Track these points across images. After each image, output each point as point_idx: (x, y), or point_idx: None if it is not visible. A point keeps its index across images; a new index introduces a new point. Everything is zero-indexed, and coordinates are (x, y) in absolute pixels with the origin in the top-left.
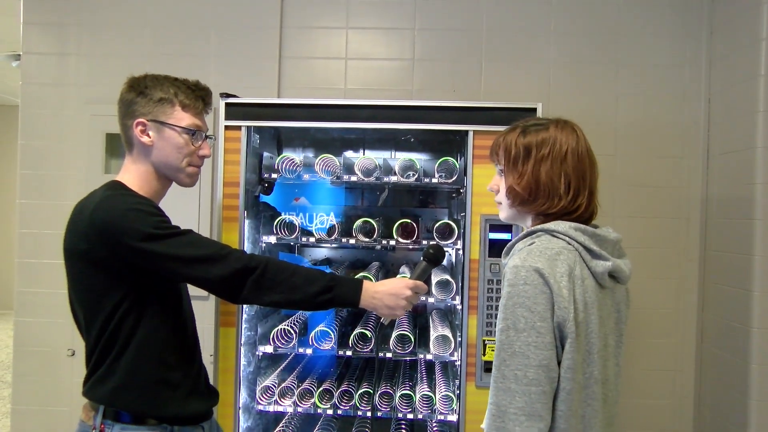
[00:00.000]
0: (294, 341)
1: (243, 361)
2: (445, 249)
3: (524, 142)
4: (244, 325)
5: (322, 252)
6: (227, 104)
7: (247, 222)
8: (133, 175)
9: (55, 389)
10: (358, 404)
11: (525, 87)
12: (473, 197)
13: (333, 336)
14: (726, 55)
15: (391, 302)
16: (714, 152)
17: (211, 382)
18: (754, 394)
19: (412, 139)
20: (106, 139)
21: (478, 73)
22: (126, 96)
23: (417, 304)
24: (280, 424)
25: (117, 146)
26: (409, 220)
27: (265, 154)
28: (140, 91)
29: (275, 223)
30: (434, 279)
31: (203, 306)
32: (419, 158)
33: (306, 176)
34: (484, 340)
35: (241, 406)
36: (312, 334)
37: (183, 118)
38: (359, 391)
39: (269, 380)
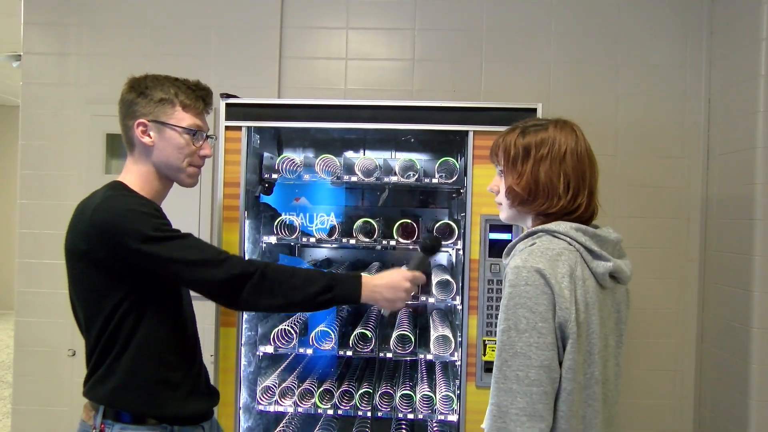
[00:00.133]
0: (294, 341)
1: (243, 361)
2: (446, 249)
3: (523, 142)
4: (244, 325)
5: (323, 252)
6: (227, 104)
7: (247, 222)
8: (134, 175)
9: (56, 389)
10: (358, 404)
11: (525, 87)
12: (473, 197)
13: (333, 336)
14: (726, 55)
15: (391, 295)
16: (714, 152)
17: (212, 382)
18: (754, 394)
19: (413, 140)
20: (107, 139)
21: (478, 73)
22: (127, 96)
23: (417, 305)
24: (281, 424)
25: (117, 146)
26: (409, 221)
27: (266, 154)
28: (141, 92)
29: (275, 224)
30: (434, 279)
31: (204, 306)
32: (419, 158)
33: (306, 176)
34: (484, 340)
35: (241, 406)
36: (312, 334)
37: (184, 118)
38: (360, 391)
39: (270, 380)
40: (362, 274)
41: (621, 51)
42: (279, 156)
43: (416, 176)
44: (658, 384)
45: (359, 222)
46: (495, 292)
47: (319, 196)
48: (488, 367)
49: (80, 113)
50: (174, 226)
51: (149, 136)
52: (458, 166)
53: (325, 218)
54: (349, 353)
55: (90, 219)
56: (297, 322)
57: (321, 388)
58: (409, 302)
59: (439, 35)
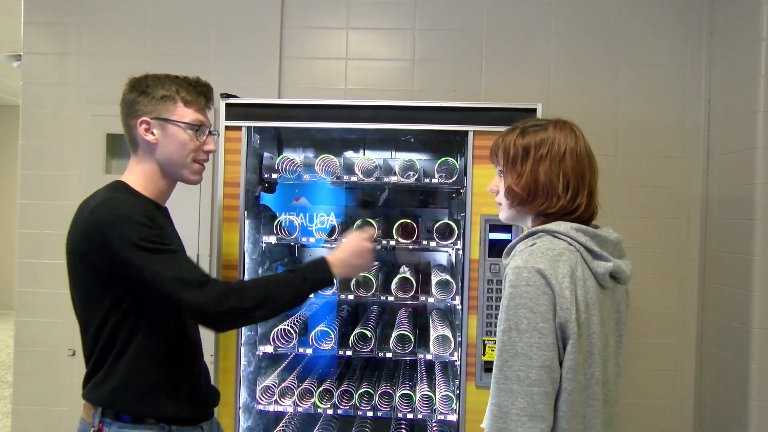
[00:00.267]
0: (294, 341)
1: (243, 361)
2: (445, 249)
3: (523, 142)
4: None
5: (323, 252)
6: (228, 104)
7: (247, 222)
8: (137, 175)
9: (56, 389)
10: (358, 404)
11: (525, 87)
12: (473, 197)
13: (333, 336)
14: (726, 55)
15: (358, 260)
16: (714, 152)
17: (212, 381)
18: (754, 394)
19: (412, 140)
20: (107, 139)
21: (478, 73)
22: (128, 96)
23: (417, 304)
24: (280, 424)
25: (117, 146)
26: (409, 220)
27: (266, 154)
28: (142, 91)
29: (275, 224)
30: (434, 279)
31: None
32: (419, 158)
33: (306, 176)
34: (483, 340)
35: (241, 405)
36: (312, 334)
37: (186, 114)
38: (359, 391)
39: (269, 380)
40: (325, 256)
41: (621, 51)
42: (279, 156)
43: (416, 176)
44: (658, 384)
45: (359, 222)
46: (495, 292)
47: (319, 196)
48: (488, 367)
49: (80, 113)
50: (174, 226)
51: (152, 133)
52: (458, 166)
53: (325, 218)
54: (349, 353)
55: (88, 219)
56: (297, 321)
57: (321, 388)
58: (409, 302)
59: (439, 35)
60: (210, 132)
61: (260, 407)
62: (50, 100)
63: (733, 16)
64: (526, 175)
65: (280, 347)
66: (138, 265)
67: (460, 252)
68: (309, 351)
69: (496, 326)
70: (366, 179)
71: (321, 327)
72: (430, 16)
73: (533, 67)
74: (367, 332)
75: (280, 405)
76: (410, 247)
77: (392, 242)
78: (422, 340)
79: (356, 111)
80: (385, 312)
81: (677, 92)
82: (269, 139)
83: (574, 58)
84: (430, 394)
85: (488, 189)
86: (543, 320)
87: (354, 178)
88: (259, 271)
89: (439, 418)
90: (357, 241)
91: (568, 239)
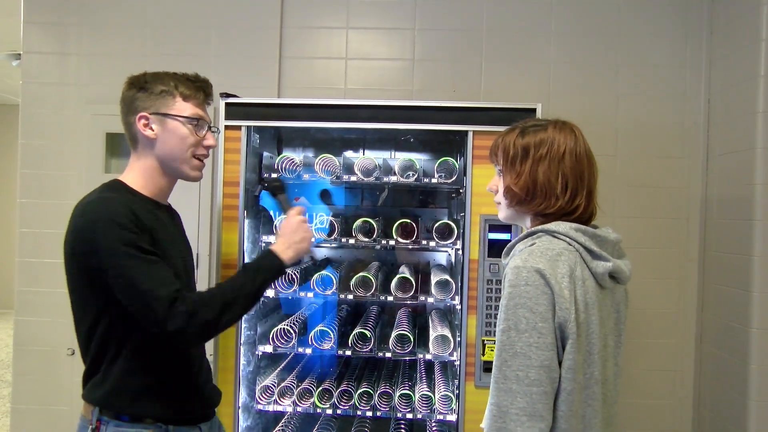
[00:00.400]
0: (293, 341)
1: (242, 361)
2: (445, 249)
3: (522, 142)
4: (243, 325)
5: (322, 252)
6: (227, 104)
7: (246, 222)
8: (136, 172)
9: (55, 388)
10: (357, 404)
11: (525, 87)
12: (473, 197)
13: (332, 336)
14: (726, 55)
15: (298, 235)
16: (714, 152)
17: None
18: (753, 394)
19: (412, 139)
20: (107, 139)
21: (478, 73)
22: (127, 94)
23: (416, 304)
24: (280, 424)
25: (117, 146)
26: (408, 220)
27: (265, 153)
28: (140, 87)
29: (275, 223)
30: (434, 279)
31: None
32: (419, 158)
33: (306, 176)
34: (483, 340)
35: (240, 405)
36: (311, 333)
37: (185, 108)
38: (359, 391)
39: (269, 380)
40: (269, 246)
41: (621, 51)
42: (279, 155)
43: (416, 176)
44: (657, 384)
45: (358, 221)
46: (494, 292)
47: (319, 196)
48: (487, 367)
49: (80, 113)
50: (179, 223)
51: (151, 128)
52: (458, 166)
53: (324, 218)
54: (348, 353)
55: (76, 221)
56: (296, 321)
57: (320, 388)
58: (409, 302)
59: (439, 35)
60: (209, 127)
61: (259, 407)
62: (50, 99)
63: (733, 16)
64: (524, 175)
65: (279, 347)
66: (107, 267)
67: (460, 252)
68: (308, 351)
69: (495, 326)
70: (366, 179)
71: (320, 327)
72: (430, 16)
73: (533, 67)
74: (366, 332)
75: (280, 405)
76: (410, 246)
77: (392, 242)
78: (422, 340)
79: (356, 111)
80: (384, 312)
81: (677, 92)
82: (269, 138)
83: (574, 58)
84: (430, 394)
85: (487, 188)
86: (542, 320)
87: (354, 178)
88: None
89: (438, 417)
90: (289, 220)
91: (568, 239)
